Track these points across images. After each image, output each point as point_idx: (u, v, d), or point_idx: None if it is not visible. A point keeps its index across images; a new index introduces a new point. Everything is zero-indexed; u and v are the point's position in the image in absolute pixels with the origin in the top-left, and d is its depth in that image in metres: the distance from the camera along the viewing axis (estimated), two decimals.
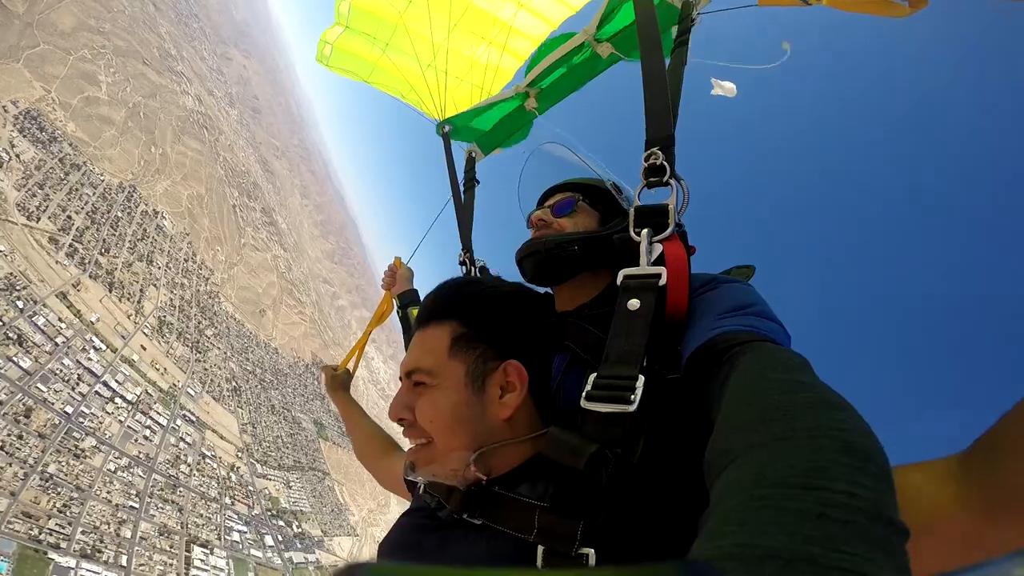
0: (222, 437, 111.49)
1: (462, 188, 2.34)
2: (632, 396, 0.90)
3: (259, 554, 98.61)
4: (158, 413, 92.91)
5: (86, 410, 77.49)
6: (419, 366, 1.03)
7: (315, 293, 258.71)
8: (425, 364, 1.02)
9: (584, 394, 0.96)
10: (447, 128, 2.38)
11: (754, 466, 0.53)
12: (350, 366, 2.48)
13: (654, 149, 1.23)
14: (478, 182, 2.37)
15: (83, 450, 74.06)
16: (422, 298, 1.20)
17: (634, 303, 1.04)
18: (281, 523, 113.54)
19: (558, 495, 0.87)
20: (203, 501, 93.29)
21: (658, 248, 1.13)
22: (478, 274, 2.20)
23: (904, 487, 0.52)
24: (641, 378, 0.93)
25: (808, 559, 0.39)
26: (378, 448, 2.04)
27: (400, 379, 1.09)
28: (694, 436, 0.94)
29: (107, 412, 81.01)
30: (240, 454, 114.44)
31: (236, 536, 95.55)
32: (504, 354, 1.05)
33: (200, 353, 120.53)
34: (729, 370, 0.84)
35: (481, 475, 0.96)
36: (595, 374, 0.99)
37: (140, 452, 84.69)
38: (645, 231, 1.15)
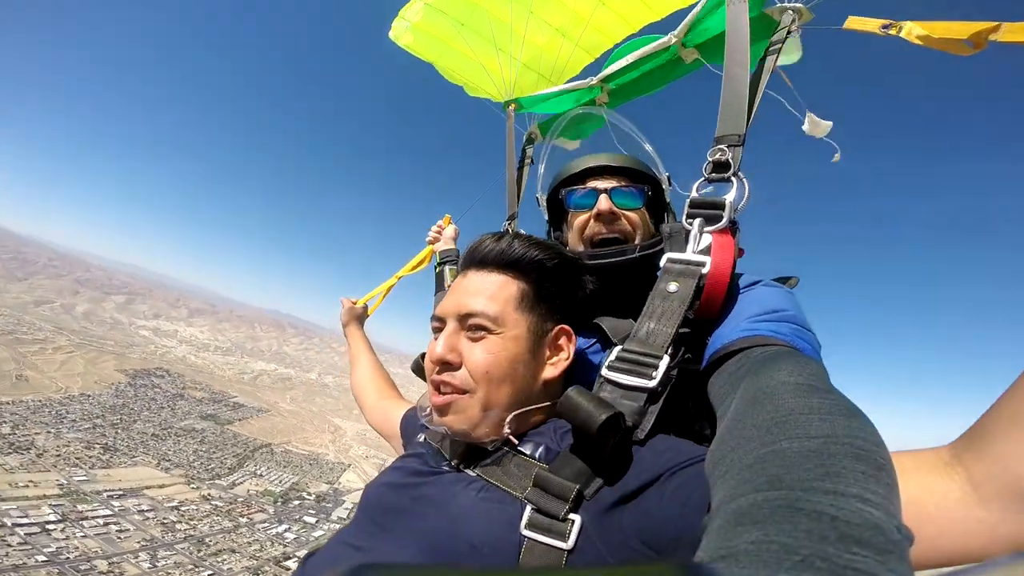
0: (161, 486, 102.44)
1: (517, 165, 2.49)
2: (654, 373, 0.98)
3: (319, 532, 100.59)
4: (90, 510, 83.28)
5: (49, 548, 68.55)
6: (484, 311, 1.04)
7: (42, 322, 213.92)
8: (490, 310, 1.04)
9: (606, 364, 1.04)
10: (512, 106, 2.52)
11: (768, 467, 0.55)
12: (370, 303, 2.63)
13: (722, 146, 1.31)
14: (533, 162, 2.51)
15: (111, 572, 67.72)
16: (483, 238, 1.18)
17: (673, 286, 1.11)
18: (296, 503, 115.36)
19: (560, 457, 0.92)
20: (232, 535, 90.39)
21: (707, 238, 1.18)
22: None
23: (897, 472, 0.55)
24: (665, 358, 1.00)
25: (823, 557, 0.41)
26: (378, 387, 2.11)
27: (438, 319, 1.10)
28: (699, 427, 1.09)
29: (60, 539, 71.62)
30: (193, 484, 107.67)
31: (290, 535, 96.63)
32: (557, 319, 1.15)
33: (28, 450, 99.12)
34: (746, 370, 0.88)
35: (512, 436, 1.01)
36: (620, 347, 1.07)
37: (139, 542, 78.17)
38: (697, 220, 1.22)
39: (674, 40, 1.89)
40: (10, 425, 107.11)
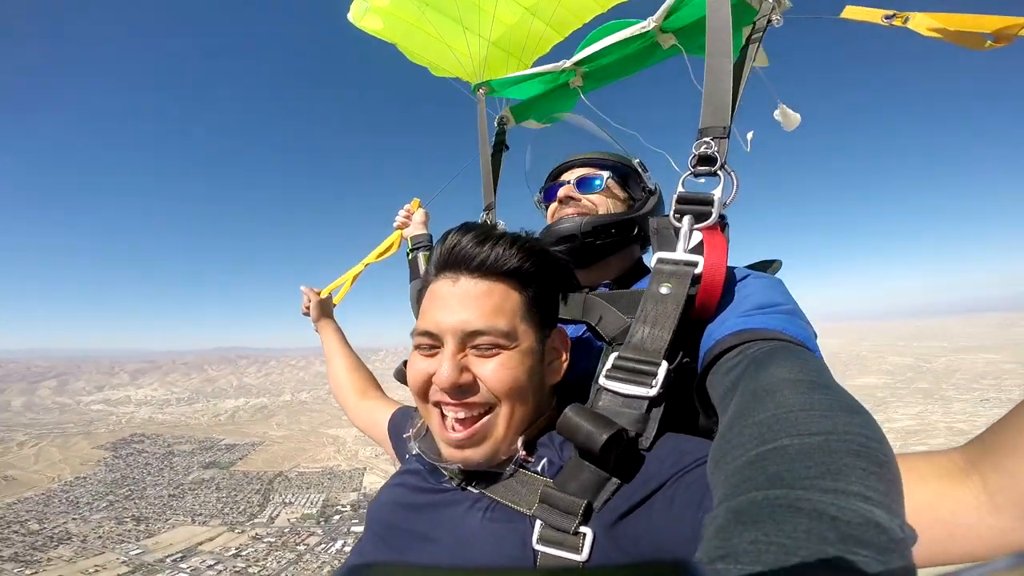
0: (210, 539, 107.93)
1: (491, 151, 2.39)
2: (653, 381, 0.95)
3: None
4: None
5: None
6: (495, 327, 0.96)
7: None
8: (502, 326, 0.97)
9: (604, 373, 1.01)
10: (483, 90, 2.42)
11: (769, 465, 0.56)
12: (335, 293, 2.44)
13: (706, 139, 1.26)
14: (508, 148, 2.45)
15: None
16: (458, 233, 1.05)
17: (665, 288, 1.07)
18: (336, 517, 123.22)
19: (564, 472, 0.90)
20: (299, 564, 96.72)
21: (697, 236, 1.16)
22: None
23: (907, 476, 0.55)
24: (664, 364, 0.98)
25: (822, 558, 0.41)
26: (358, 386, 1.99)
27: (431, 335, 0.99)
28: (708, 424, 1.05)
29: None
30: (237, 529, 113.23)
31: (350, 548, 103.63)
32: (552, 322, 1.10)
33: (69, 540, 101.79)
34: (744, 366, 0.87)
35: (524, 452, 0.97)
36: (616, 354, 1.03)
37: None
38: (687, 218, 1.19)
39: (652, 25, 1.84)
40: (35, 521, 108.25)
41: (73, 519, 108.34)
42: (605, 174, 1.58)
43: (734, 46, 1.42)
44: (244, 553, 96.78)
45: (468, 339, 0.97)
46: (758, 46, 1.50)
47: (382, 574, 0.30)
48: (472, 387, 0.96)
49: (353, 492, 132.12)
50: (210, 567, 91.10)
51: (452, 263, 1.03)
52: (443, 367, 0.94)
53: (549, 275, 1.09)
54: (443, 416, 0.99)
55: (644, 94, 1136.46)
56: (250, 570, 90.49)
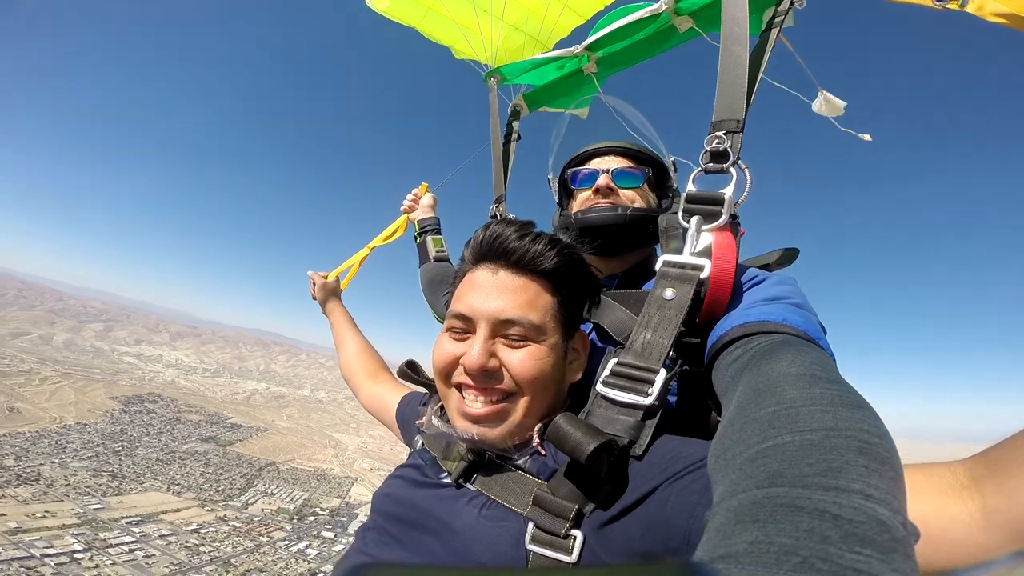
0: (176, 510, 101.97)
1: (502, 140, 2.32)
2: (649, 389, 0.95)
3: (339, 547, 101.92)
4: (113, 538, 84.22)
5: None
6: (527, 319, 1.00)
7: (23, 354, 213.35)
8: (534, 319, 1.01)
9: (601, 379, 1.01)
10: (495, 78, 2.34)
11: (770, 463, 0.54)
12: (341, 277, 2.46)
13: (719, 133, 1.21)
14: (520, 137, 2.37)
15: None
16: (501, 224, 1.09)
17: (669, 293, 1.06)
18: (311, 519, 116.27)
19: (557, 475, 0.92)
20: (255, 554, 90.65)
21: (707, 238, 1.11)
22: None
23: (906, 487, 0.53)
24: (662, 372, 0.97)
25: (824, 558, 0.40)
26: (369, 369, 2.01)
27: (465, 318, 1.04)
28: (702, 428, 1.07)
29: (91, 568, 72.61)
30: (207, 506, 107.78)
31: (312, 551, 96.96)
32: (576, 324, 1.14)
33: (36, 481, 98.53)
34: (746, 360, 0.86)
35: (539, 446, 1.00)
36: (615, 360, 1.02)
37: (167, 567, 79.07)
38: (695, 219, 1.14)
39: (664, 7, 1.76)
40: (13, 457, 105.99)
41: (52, 462, 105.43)
42: (647, 171, 1.53)
43: (753, 28, 1.33)
44: (203, 531, 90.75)
45: (500, 327, 1.01)
46: (779, 31, 1.39)
47: (382, 574, 0.29)
48: (497, 373, 0.99)
49: (336, 499, 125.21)
50: (162, 536, 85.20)
51: (493, 254, 1.07)
52: (474, 350, 0.99)
53: (580, 282, 1.13)
54: (463, 397, 1.03)
55: (657, 83, 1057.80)
56: (202, 548, 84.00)
